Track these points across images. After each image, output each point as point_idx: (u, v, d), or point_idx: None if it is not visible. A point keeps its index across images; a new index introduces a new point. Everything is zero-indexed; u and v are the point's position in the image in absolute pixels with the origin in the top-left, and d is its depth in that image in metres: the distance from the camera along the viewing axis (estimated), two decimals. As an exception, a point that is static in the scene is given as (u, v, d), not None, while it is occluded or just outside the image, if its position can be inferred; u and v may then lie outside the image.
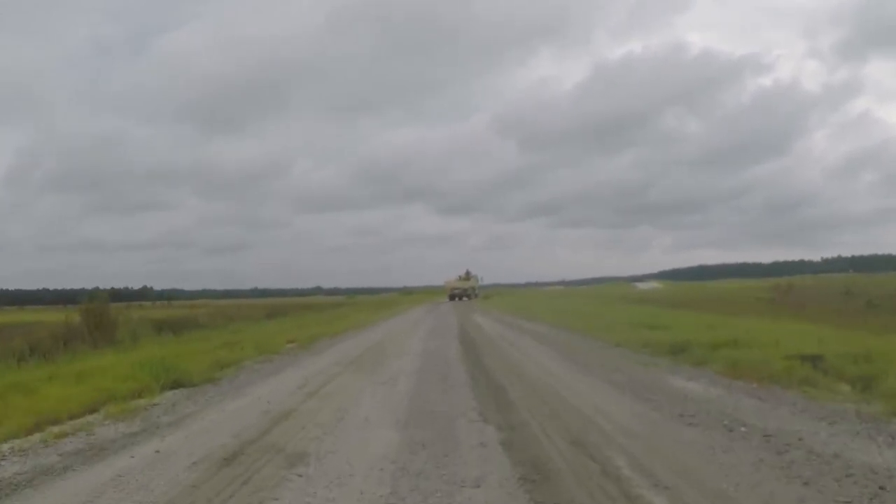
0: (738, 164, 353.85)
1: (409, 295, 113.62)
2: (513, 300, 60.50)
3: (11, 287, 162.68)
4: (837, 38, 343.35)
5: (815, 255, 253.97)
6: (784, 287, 42.55)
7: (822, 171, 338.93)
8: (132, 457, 6.43)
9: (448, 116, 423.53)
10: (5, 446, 7.00)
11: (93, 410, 8.94)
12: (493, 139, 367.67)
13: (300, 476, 5.53)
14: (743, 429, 6.64)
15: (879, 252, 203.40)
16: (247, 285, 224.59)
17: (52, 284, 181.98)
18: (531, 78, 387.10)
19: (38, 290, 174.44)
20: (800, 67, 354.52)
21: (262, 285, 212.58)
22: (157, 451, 6.61)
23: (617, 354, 13.73)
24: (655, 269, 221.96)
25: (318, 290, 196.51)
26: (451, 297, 70.23)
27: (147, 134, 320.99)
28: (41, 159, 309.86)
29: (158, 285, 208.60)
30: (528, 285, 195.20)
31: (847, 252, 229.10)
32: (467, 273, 77.92)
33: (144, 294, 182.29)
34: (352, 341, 20.20)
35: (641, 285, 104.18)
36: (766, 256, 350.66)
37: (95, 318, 23.30)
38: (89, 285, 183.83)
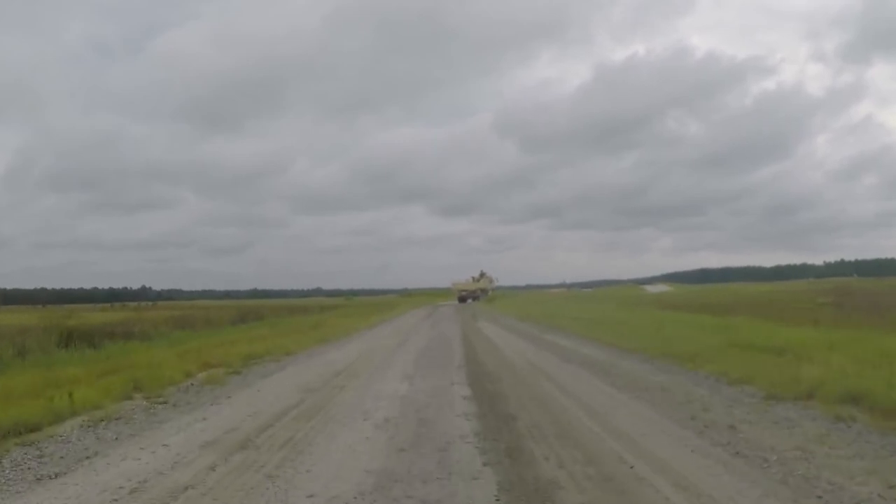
0: (740, 167, 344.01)
1: (408, 297, 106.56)
2: (520, 303, 52.97)
3: (9, 286, 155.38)
4: (841, 42, 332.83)
5: (817, 259, 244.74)
6: (843, 290, 35.06)
7: (825, 174, 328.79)
8: None
9: (449, 116, 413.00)
10: None
11: None
12: (494, 140, 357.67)
13: None
14: None
15: (882, 256, 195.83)
16: (247, 286, 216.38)
17: (51, 283, 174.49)
18: (532, 78, 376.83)
19: (35, 290, 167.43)
20: (803, 71, 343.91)
21: (262, 286, 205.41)
22: None
23: (821, 427, 6.18)
24: (657, 272, 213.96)
25: (318, 291, 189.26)
26: (461, 300, 63.32)
27: (145, 132, 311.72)
28: (39, 157, 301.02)
29: (158, 285, 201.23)
30: (528, 287, 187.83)
31: (850, 256, 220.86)
32: (482, 273, 70.79)
33: (143, 294, 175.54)
34: (299, 370, 12.74)
35: (651, 288, 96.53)
36: (767, 260, 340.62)
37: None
38: (88, 285, 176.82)
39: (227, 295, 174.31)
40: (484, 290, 66.33)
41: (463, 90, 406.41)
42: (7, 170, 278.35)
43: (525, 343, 16.52)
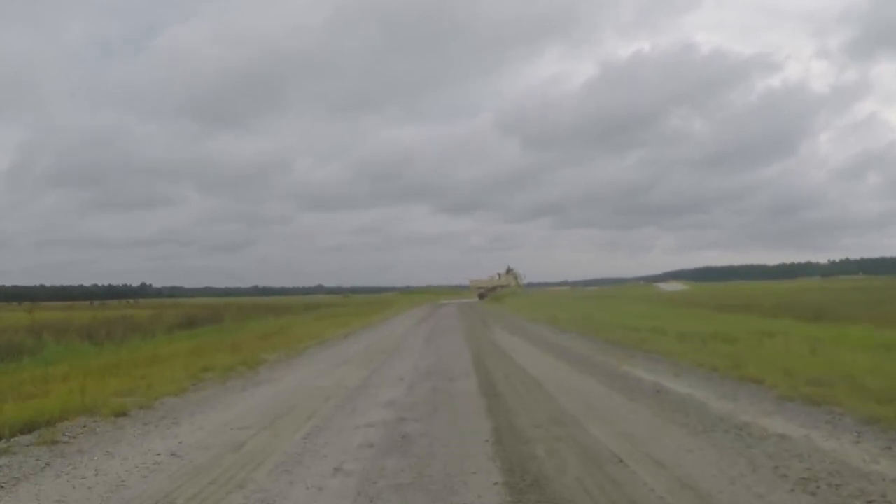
0: (743, 166, 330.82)
1: (409, 295, 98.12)
2: (533, 303, 44.41)
3: (9, 283, 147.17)
4: (846, 39, 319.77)
5: (821, 258, 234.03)
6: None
7: (829, 172, 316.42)
8: None
9: (452, 115, 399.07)
10: None
11: None
12: (498, 138, 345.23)
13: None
14: None
15: (887, 255, 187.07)
16: (249, 283, 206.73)
17: (52, 281, 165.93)
18: (537, 76, 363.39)
19: (34, 287, 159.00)
20: (808, 68, 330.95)
21: (263, 283, 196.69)
22: None
23: None
24: (658, 271, 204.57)
25: (320, 289, 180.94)
26: (481, 297, 56.17)
27: (148, 130, 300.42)
28: (41, 155, 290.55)
29: (160, 282, 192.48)
30: (530, 286, 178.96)
31: (854, 255, 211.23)
32: (508, 269, 62.53)
33: (143, 291, 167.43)
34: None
35: (665, 286, 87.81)
36: (770, 258, 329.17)
37: None
38: (88, 282, 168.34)
39: (228, 293, 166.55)
40: (504, 287, 58.15)
41: (466, 89, 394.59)
42: (9, 167, 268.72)
43: (613, 394, 7.79)
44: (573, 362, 10.54)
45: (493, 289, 58.22)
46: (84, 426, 6.73)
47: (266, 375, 10.54)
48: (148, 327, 24.09)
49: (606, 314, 24.27)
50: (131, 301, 76.94)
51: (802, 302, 30.60)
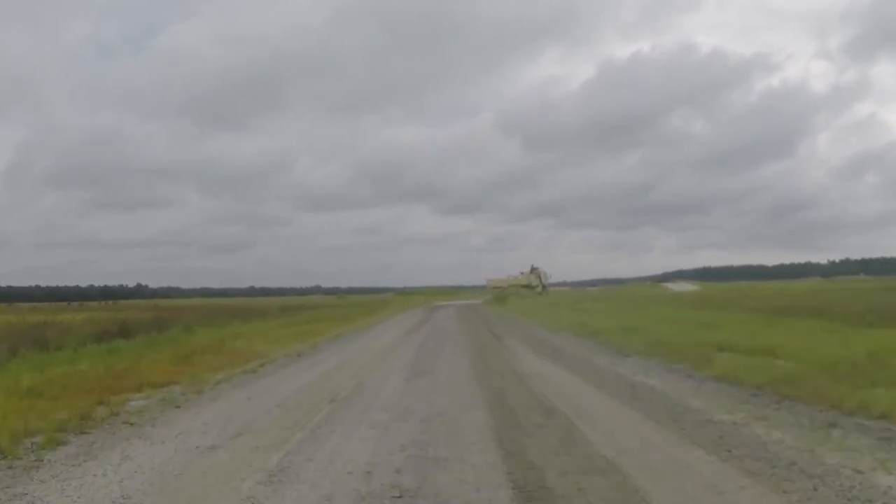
0: (743, 166, 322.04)
1: (407, 296, 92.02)
2: (545, 305, 38.33)
3: (5, 284, 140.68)
4: (846, 39, 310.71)
5: (821, 258, 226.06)
6: None
7: (828, 172, 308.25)
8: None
9: (452, 115, 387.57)
10: None
11: None
12: (498, 138, 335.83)
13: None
14: None
15: (887, 255, 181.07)
16: (246, 284, 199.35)
17: (49, 282, 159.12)
18: (537, 76, 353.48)
19: (30, 287, 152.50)
20: (807, 68, 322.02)
21: (262, 284, 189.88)
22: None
23: None
24: (657, 271, 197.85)
25: (317, 289, 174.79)
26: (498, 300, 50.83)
27: (148, 130, 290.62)
28: (39, 155, 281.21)
29: (156, 283, 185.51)
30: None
31: (855, 255, 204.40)
32: (532, 268, 56.41)
33: (138, 292, 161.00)
34: None
35: (673, 286, 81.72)
36: (769, 259, 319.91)
37: None
38: (85, 283, 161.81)
39: (225, 293, 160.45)
40: (529, 287, 52.20)
41: (466, 89, 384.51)
42: (8, 167, 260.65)
43: None
44: (741, 465, 4.46)
45: (506, 289, 52.33)
46: None
47: (40, 479, 4.53)
48: (62, 339, 18.15)
49: (649, 322, 18.24)
50: (111, 302, 70.68)
51: (869, 305, 24.58)
